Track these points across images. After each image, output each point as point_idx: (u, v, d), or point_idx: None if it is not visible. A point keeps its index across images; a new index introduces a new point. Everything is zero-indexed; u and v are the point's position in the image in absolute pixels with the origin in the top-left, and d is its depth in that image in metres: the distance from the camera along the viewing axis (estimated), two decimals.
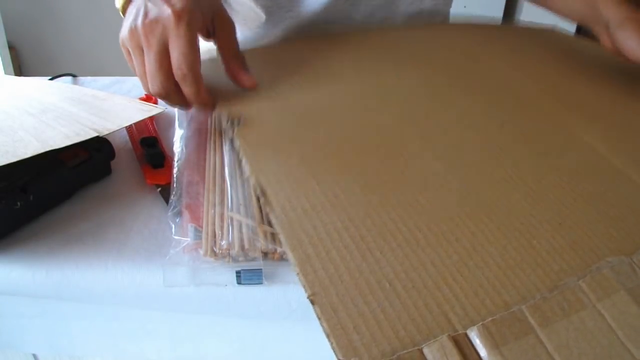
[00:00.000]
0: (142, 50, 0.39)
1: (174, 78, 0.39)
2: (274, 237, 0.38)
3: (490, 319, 0.27)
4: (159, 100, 0.62)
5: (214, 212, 0.40)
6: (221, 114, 0.43)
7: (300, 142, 0.40)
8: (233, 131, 0.41)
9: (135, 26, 0.38)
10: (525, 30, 0.67)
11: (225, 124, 0.42)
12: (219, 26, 0.44)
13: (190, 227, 0.39)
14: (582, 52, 0.59)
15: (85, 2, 1.90)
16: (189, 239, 0.38)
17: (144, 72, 0.40)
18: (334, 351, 0.26)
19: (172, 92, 0.40)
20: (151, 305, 0.41)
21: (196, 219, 0.40)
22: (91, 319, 0.46)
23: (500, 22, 1.90)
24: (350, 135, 0.41)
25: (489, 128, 0.42)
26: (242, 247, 0.37)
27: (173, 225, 0.40)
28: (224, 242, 0.37)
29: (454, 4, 0.75)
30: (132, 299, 0.40)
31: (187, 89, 0.40)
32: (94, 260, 0.39)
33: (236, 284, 0.38)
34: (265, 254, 0.38)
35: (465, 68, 0.53)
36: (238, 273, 0.38)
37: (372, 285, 0.29)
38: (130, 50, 0.40)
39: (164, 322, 0.45)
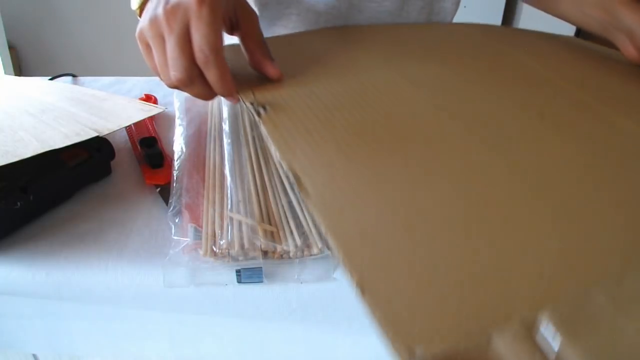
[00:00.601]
0: (163, 39, 0.37)
1: (196, 62, 0.37)
2: (273, 235, 0.38)
3: (561, 303, 0.25)
4: (159, 100, 0.62)
5: (214, 211, 0.40)
6: (246, 102, 0.40)
7: (333, 127, 0.37)
8: (260, 118, 0.38)
9: (156, 15, 0.37)
10: (541, 33, 0.66)
11: (251, 111, 0.40)
12: (242, 16, 0.43)
13: (190, 227, 0.39)
14: (601, 52, 0.59)
15: (85, 2, 1.90)
16: (188, 239, 0.38)
17: (165, 61, 0.38)
18: (390, 344, 0.23)
19: (195, 78, 0.38)
20: (151, 305, 0.41)
21: (196, 218, 0.40)
22: (91, 319, 0.46)
23: (500, 22, 1.91)
24: (385, 121, 0.38)
25: (530, 119, 0.41)
26: (241, 246, 0.37)
27: (173, 226, 0.40)
28: (223, 242, 0.37)
29: None
30: (132, 299, 0.40)
31: (210, 73, 0.38)
32: (94, 260, 0.39)
33: (236, 283, 0.38)
34: (265, 253, 0.38)
35: (493, 62, 0.52)
36: (238, 272, 0.38)
37: (427, 272, 0.26)
38: (149, 40, 0.38)
39: (164, 322, 0.45)
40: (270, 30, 0.64)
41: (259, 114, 0.39)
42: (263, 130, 0.37)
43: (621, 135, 0.39)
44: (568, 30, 1.83)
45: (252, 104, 0.40)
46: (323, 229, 0.29)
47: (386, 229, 0.29)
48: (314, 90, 0.43)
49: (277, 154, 0.35)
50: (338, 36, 0.57)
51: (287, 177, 0.43)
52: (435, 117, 0.40)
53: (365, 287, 0.25)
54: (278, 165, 0.39)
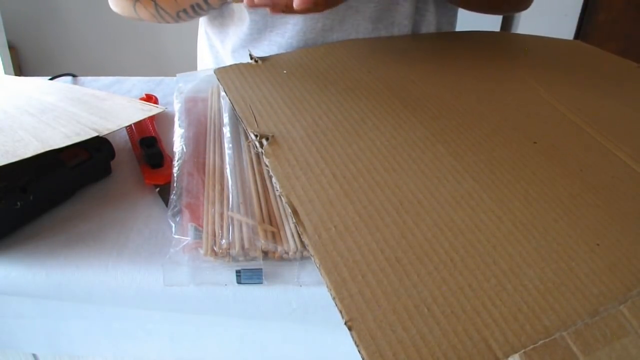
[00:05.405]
0: None
1: None
2: (274, 236, 0.38)
3: (531, 346, 0.26)
4: (159, 100, 0.62)
5: (214, 211, 0.40)
6: (250, 132, 0.43)
7: (331, 160, 0.39)
8: (262, 148, 0.40)
9: None
10: (550, 42, 0.65)
11: (254, 142, 0.42)
12: None
13: (190, 226, 0.39)
14: (607, 67, 0.59)
15: (85, 2, 1.90)
16: (189, 238, 0.38)
17: None
18: None
19: None
20: (151, 305, 0.41)
21: (196, 218, 0.40)
22: (91, 319, 0.46)
23: (500, 21, 1.91)
24: (381, 151, 0.40)
25: (522, 145, 0.42)
26: (242, 246, 0.37)
27: (173, 225, 0.40)
28: (224, 242, 0.37)
29: None
30: (132, 299, 0.40)
31: None
32: (94, 260, 0.39)
33: (236, 284, 0.38)
34: (265, 254, 0.38)
35: (493, 80, 0.52)
36: (238, 272, 0.38)
37: (410, 311, 0.28)
38: None
39: (164, 322, 0.45)
40: (267, 38, 0.64)
41: (262, 145, 0.41)
42: (266, 161, 0.39)
43: (612, 168, 0.40)
44: (568, 30, 1.83)
45: (256, 135, 0.42)
46: (316, 265, 0.31)
47: (375, 263, 0.31)
48: (315, 119, 0.44)
49: (278, 187, 0.37)
50: (341, 54, 0.57)
51: None
52: (429, 146, 0.41)
53: (352, 325, 0.27)
54: (278, 198, 0.41)
